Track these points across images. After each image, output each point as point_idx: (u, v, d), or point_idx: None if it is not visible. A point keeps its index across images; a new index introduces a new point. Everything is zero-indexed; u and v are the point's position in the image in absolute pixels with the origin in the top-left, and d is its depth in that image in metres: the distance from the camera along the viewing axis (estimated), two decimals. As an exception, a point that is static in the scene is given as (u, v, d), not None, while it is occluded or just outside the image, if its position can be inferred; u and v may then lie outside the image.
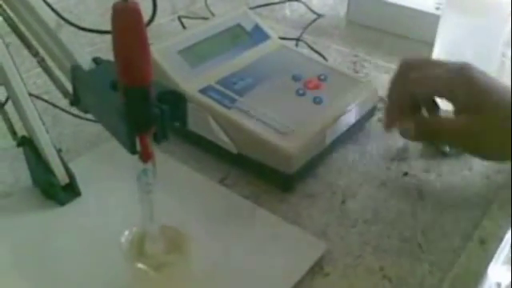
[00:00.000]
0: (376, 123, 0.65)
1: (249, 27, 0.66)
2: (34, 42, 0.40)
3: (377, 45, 0.82)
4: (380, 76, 0.74)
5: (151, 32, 0.30)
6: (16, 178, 0.55)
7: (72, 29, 0.40)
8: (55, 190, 0.50)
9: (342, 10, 0.91)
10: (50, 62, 0.42)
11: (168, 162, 0.56)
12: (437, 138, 0.53)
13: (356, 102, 0.60)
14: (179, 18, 0.82)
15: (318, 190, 0.55)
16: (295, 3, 0.94)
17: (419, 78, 0.52)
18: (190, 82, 0.57)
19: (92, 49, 0.71)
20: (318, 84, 0.61)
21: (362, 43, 0.82)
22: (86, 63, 0.37)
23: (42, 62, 0.40)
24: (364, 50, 0.80)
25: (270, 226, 0.50)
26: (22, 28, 0.40)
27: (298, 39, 0.81)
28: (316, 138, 0.55)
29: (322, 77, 0.62)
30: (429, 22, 0.77)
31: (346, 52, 0.80)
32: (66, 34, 0.38)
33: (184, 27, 0.81)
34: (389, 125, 0.54)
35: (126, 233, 0.40)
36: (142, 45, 0.28)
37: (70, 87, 0.39)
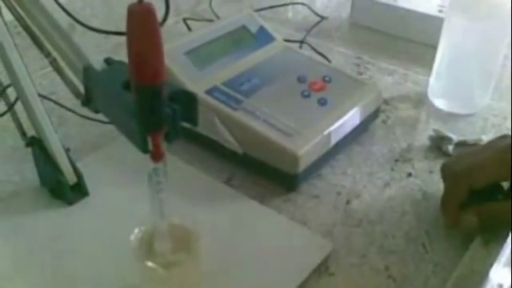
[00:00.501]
0: (380, 125, 0.65)
1: (254, 29, 0.67)
2: (46, 43, 0.41)
3: (380, 47, 0.83)
4: (383, 78, 0.75)
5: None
6: (23, 177, 0.55)
7: (83, 30, 0.40)
8: (63, 189, 0.51)
9: (345, 13, 0.92)
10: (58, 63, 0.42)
11: (174, 163, 0.57)
12: (504, 226, 0.49)
13: (360, 104, 0.60)
14: (184, 19, 0.82)
15: (322, 190, 0.56)
16: (299, 6, 0.95)
17: (472, 171, 0.49)
18: (196, 83, 0.58)
19: (97, 50, 0.72)
20: (322, 86, 0.61)
21: (365, 45, 0.83)
22: (97, 64, 0.37)
23: (53, 63, 0.41)
24: (367, 52, 0.81)
25: (276, 226, 0.51)
26: (34, 29, 0.40)
27: (301, 41, 0.81)
28: (321, 139, 0.56)
29: (327, 78, 0.62)
30: (432, 25, 0.78)
31: (349, 54, 0.81)
32: (78, 35, 0.39)
33: (189, 29, 0.81)
34: (453, 224, 0.51)
35: (136, 231, 0.40)
36: (156, 45, 0.29)
37: (81, 88, 0.40)
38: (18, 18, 0.41)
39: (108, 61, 0.38)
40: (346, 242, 0.50)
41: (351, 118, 0.59)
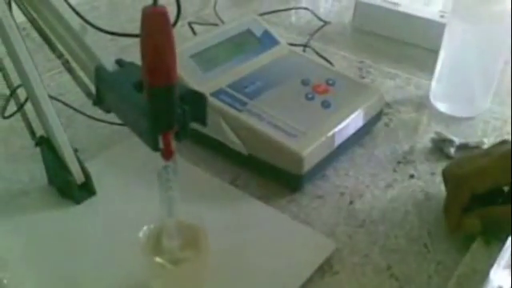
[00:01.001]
0: (382, 127, 0.66)
1: (258, 33, 0.68)
2: (58, 44, 0.42)
3: (382, 51, 0.84)
4: (386, 82, 0.76)
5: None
6: (32, 177, 0.56)
7: (95, 32, 0.41)
8: (71, 188, 0.52)
9: (348, 18, 0.93)
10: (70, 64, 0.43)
11: (180, 164, 0.57)
12: (505, 230, 0.49)
13: (363, 107, 0.61)
14: (189, 23, 0.84)
15: (326, 191, 0.57)
16: (302, 10, 0.96)
17: (474, 176, 0.50)
18: (202, 85, 0.59)
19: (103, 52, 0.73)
20: (326, 88, 0.62)
21: (367, 50, 0.84)
22: (109, 65, 0.38)
23: (66, 64, 0.42)
24: (369, 56, 0.82)
25: (280, 226, 0.52)
26: (47, 30, 0.41)
27: (305, 45, 0.82)
28: (325, 141, 0.57)
29: (330, 81, 0.63)
30: (433, 30, 0.79)
31: (351, 58, 0.82)
32: (90, 37, 0.40)
33: (194, 33, 0.82)
34: (455, 227, 0.51)
35: (145, 228, 0.41)
36: (169, 46, 0.30)
37: (92, 88, 0.41)
38: (31, 20, 0.42)
39: (119, 62, 0.39)
40: (349, 242, 0.51)
41: (354, 120, 0.60)
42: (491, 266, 0.49)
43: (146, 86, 0.32)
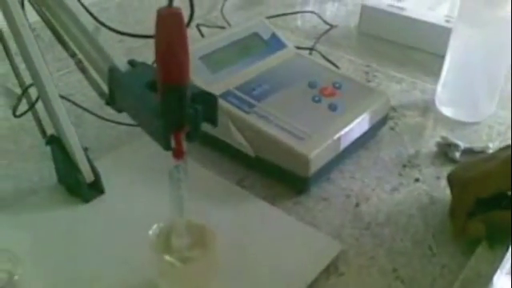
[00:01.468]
0: (388, 131, 0.67)
1: (266, 36, 0.69)
2: (71, 44, 0.43)
3: (388, 56, 0.84)
4: (391, 86, 0.77)
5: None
6: (41, 175, 0.57)
7: (104, 33, 0.42)
8: (81, 187, 0.52)
9: (354, 22, 0.93)
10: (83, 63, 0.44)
11: (187, 164, 0.58)
12: (510, 234, 0.50)
13: (369, 110, 0.62)
14: (197, 25, 0.84)
15: (332, 193, 0.57)
16: (308, 14, 0.97)
17: (479, 181, 0.51)
18: (210, 87, 0.59)
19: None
20: (333, 92, 0.63)
21: (373, 54, 0.85)
22: (122, 65, 0.39)
23: (79, 64, 0.42)
24: (375, 60, 0.83)
25: (287, 227, 0.52)
26: (61, 31, 0.42)
27: (311, 49, 0.83)
28: (331, 144, 0.57)
29: (337, 85, 0.64)
30: (439, 35, 0.80)
31: (357, 62, 0.82)
32: (103, 38, 0.40)
33: (202, 35, 0.83)
34: (460, 231, 0.51)
35: (154, 227, 0.42)
36: (183, 47, 0.31)
37: (104, 87, 0.42)
38: (45, 20, 0.42)
39: (132, 62, 0.40)
40: (355, 244, 0.51)
41: (360, 123, 0.61)
42: (495, 270, 0.49)
43: (159, 85, 0.33)
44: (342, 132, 0.58)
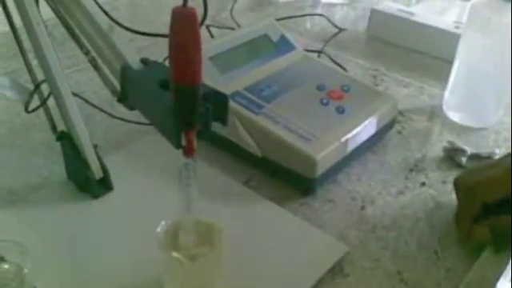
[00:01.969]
0: (395, 135, 0.67)
1: (275, 38, 0.69)
2: (85, 41, 0.43)
3: (396, 60, 0.85)
4: (399, 90, 0.77)
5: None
6: (51, 171, 0.57)
7: (118, 31, 0.43)
8: (90, 183, 0.53)
9: (363, 26, 0.94)
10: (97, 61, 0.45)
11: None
12: None
13: (377, 114, 0.62)
14: (207, 26, 0.85)
15: (338, 195, 0.58)
16: (316, 17, 0.97)
17: (485, 186, 0.51)
18: (219, 87, 0.58)
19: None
20: (341, 94, 0.63)
21: (381, 58, 0.85)
22: (135, 63, 0.40)
23: (92, 61, 0.43)
24: (384, 64, 0.83)
25: (292, 227, 0.53)
26: (76, 29, 0.42)
27: (319, 51, 0.83)
28: (338, 146, 0.57)
29: (345, 88, 0.64)
30: (448, 40, 0.80)
31: (366, 66, 0.83)
32: (117, 36, 0.41)
33: (212, 36, 0.84)
34: (465, 236, 0.52)
35: (162, 223, 0.42)
36: (197, 46, 0.31)
37: (117, 85, 0.42)
38: (60, 17, 0.43)
39: (144, 61, 0.40)
40: (360, 246, 0.52)
41: (368, 126, 0.61)
42: (500, 275, 0.49)
43: (171, 83, 0.33)
44: (350, 135, 0.58)
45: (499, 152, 0.63)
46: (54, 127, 0.53)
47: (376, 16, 0.90)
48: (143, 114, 0.40)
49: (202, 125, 0.36)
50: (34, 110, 0.53)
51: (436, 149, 0.65)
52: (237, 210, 0.54)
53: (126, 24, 0.46)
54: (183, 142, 0.36)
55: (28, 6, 0.44)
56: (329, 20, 0.95)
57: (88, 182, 0.53)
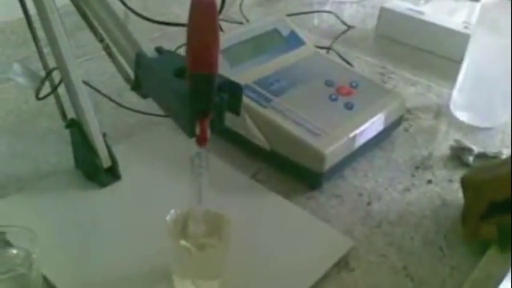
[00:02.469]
0: (402, 132, 0.67)
1: (285, 33, 0.69)
2: (100, 29, 0.43)
3: (404, 58, 0.85)
4: (407, 88, 0.77)
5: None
6: (59, 158, 0.58)
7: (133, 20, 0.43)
8: (98, 171, 0.53)
9: (372, 23, 0.94)
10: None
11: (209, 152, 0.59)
12: None
13: (385, 111, 0.62)
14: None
15: (345, 190, 0.58)
16: (325, 14, 0.97)
17: (492, 185, 0.51)
18: (229, 79, 0.60)
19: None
20: (349, 90, 0.63)
21: (389, 56, 0.85)
22: (149, 51, 0.40)
23: (107, 49, 0.43)
24: (392, 62, 0.83)
25: (299, 221, 0.53)
26: (91, 16, 0.42)
27: (328, 48, 0.83)
28: (346, 141, 0.58)
29: (354, 84, 0.64)
30: (456, 40, 0.80)
31: (374, 63, 0.83)
32: (132, 24, 0.41)
33: (221, 29, 0.84)
34: (472, 235, 0.52)
35: (172, 212, 0.42)
36: (215, 36, 0.31)
37: (131, 73, 0.42)
38: (76, 5, 0.43)
39: (159, 49, 0.40)
40: (365, 241, 0.52)
41: (375, 123, 0.61)
42: (505, 273, 0.49)
43: (188, 72, 0.33)
44: (357, 130, 0.59)
45: (506, 152, 0.64)
46: (64, 115, 0.53)
47: (385, 14, 0.90)
48: (157, 103, 0.40)
49: (215, 114, 0.36)
50: (44, 97, 0.53)
51: (443, 147, 0.65)
52: (244, 203, 0.54)
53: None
54: (197, 131, 0.36)
55: (42, -8, 0.44)
56: (337, 17, 0.96)
57: (96, 171, 0.53)
